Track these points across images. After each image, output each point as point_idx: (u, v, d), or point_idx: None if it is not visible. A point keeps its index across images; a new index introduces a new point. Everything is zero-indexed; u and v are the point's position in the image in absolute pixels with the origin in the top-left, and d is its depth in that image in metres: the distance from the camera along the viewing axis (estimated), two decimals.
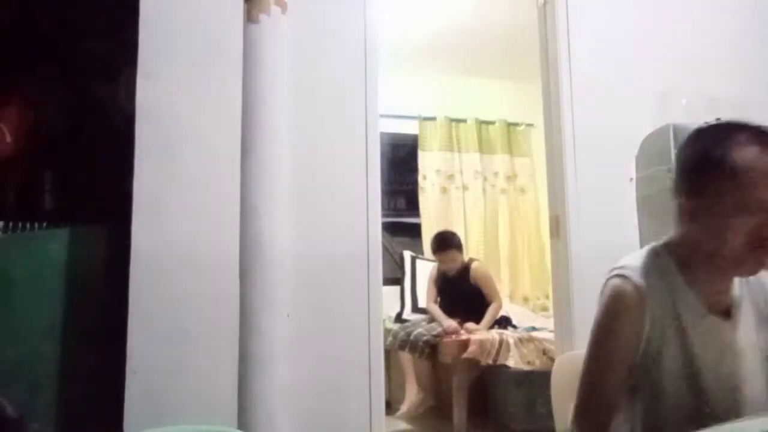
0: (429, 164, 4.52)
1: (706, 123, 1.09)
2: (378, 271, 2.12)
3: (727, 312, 1.02)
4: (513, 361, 3.13)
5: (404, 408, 3.39)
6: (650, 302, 0.98)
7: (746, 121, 1.01)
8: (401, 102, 4.24)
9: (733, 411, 0.96)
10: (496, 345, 3.14)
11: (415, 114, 4.53)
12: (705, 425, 0.90)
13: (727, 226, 0.94)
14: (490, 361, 3.11)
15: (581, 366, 1.05)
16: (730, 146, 0.95)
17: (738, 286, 1.04)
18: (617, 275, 1.03)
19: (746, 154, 0.93)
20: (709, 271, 1.00)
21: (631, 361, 0.99)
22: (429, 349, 3.29)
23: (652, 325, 0.98)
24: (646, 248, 1.08)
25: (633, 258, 1.06)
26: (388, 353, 3.25)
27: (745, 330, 1.02)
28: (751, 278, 1.04)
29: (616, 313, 1.01)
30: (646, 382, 1.00)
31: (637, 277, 1.00)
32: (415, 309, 4.00)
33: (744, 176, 0.92)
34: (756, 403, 0.99)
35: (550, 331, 3.06)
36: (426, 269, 4.00)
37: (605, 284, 1.05)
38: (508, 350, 3.15)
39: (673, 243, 1.06)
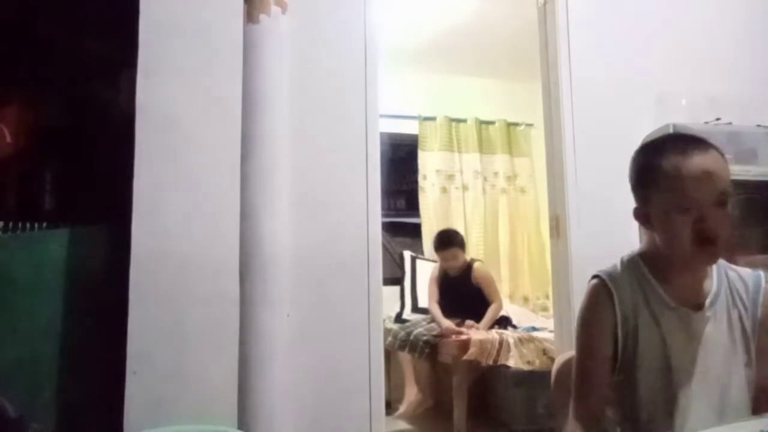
0: (429, 164, 4.51)
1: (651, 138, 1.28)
2: (378, 271, 2.12)
3: (700, 305, 1.12)
4: (513, 361, 3.13)
5: (403, 408, 3.39)
6: (618, 298, 1.12)
7: (680, 133, 1.19)
8: (401, 102, 4.23)
9: (685, 390, 1.08)
10: (497, 345, 3.14)
11: (415, 114, 4.53)
12: (673, 407, 1.07)
13: (672, 226, 1.07)
14: (491, 362, 3.12)
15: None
16: (662, 155, 1.09)
17: (716, 280, 1.14)
18: (593, 277, 1.18)
19: (673, 161, 1.07)
20: (673, 268, 1.12)
21: (609, 351, 1.11)
22: (429, 349, 3.29)
23: (623, 319, 1.11)
24: (621, 256, 1.22)
25: (611, 265, 1.20)
26: (388, 353, 3.25)
27: (718, 321, 1.12)
28: (730, 272, 1.16)
29: (588, 308, 1.16)
30: (626, 370, 1.11)
31: (606, 277, 1.15)
32: (415, 309, 3.99)
33: (674, 181, 1.05)
34: (710, 383, 1.09)
35: (550, 331, 3.06)
36: (426, 269, 4.00)
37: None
38: (509, 350, 3.15)
39: (643, 248, 1.20)
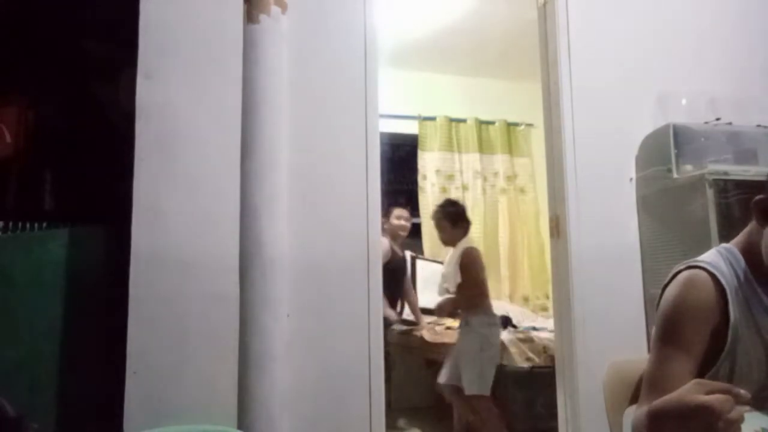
0: (429, 164, 4.52)
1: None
2: (378, 272, 2.12)
3: None
4: (510, 360, 3.14)
5: None
6: (731, 297, 0.98)
7: None
8: (401, 102, 4.24)
9: None
10: None
11: (415, 114, 4.53)
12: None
13: None
14: None
15: (632, 372, 1.05)
16: None
17: None
18: (691, 267, 1.03)
19: None
20: None
21: (701, 350, 0.97)
22: None
23: (735, 323, 0.97)
24: (717, 248, 1.08)
25: (707, 255, 1.06)
26: (388, 353, 3.25)
27: None
28: None
29: (689, 300, 0.99)
30: (718, 379, 0.98)
31: (714, 270, 1.00)
32: None
33: None
34: None
35: (550, 331, 3.06)
36: (426, 269, 4.00)
37: (674, 277, 1.05)
38: (504, 350, 3.16)
39: (743, 242, 1.06)
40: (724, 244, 1.08)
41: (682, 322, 0.99)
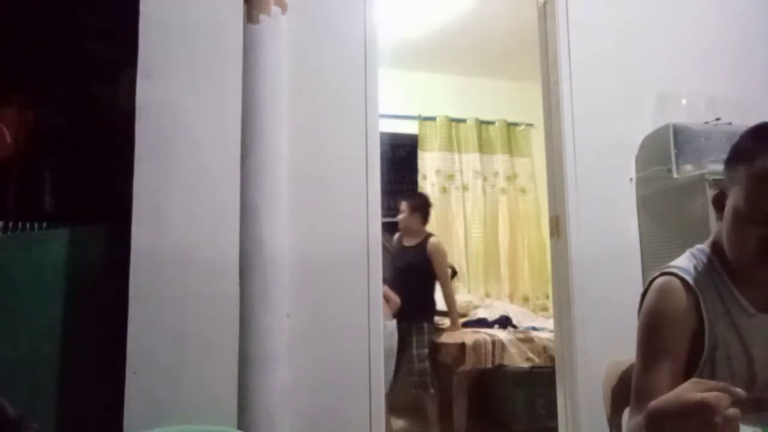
0: (429, 164, 4.51)
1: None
2: (378, 271, 2.12)
3: None
4: (511, 360, 3.15)
5: None
6: (703, 302, 0.99)
7: None
8: (401, 102, 4.24)
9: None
10: (490, 347, 3.15)
11: (415, 114, 4.53)
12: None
13: (736, 228, 0.95)
14: (489, 365, 3.13)
15: (631, 372, 1.04)
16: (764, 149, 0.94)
17: None
18: (664, 273, 1.04)
19: None
20: (745, 270, 0.99)
21: (682, 356, 0.98)
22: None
23: (710, 328, 0.98)
24: (690, 249, 1.08)
25: (679, 260, 1.06)
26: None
27: None
28: None
29: (664, 308, 1.01)
30: (705, 375, 0.99)
31: (684, 275, 1.01)
32: None
33: (760, 183, 0.91)
34: None
35: (550, 331, 3.07)
36: None
37: (650, 284, 1.06)
38: (503, 349, 3.16)
39: (715, 240, 1.06)
40: (697, 245, 1.09)
41: (660, 329, 1.00)
